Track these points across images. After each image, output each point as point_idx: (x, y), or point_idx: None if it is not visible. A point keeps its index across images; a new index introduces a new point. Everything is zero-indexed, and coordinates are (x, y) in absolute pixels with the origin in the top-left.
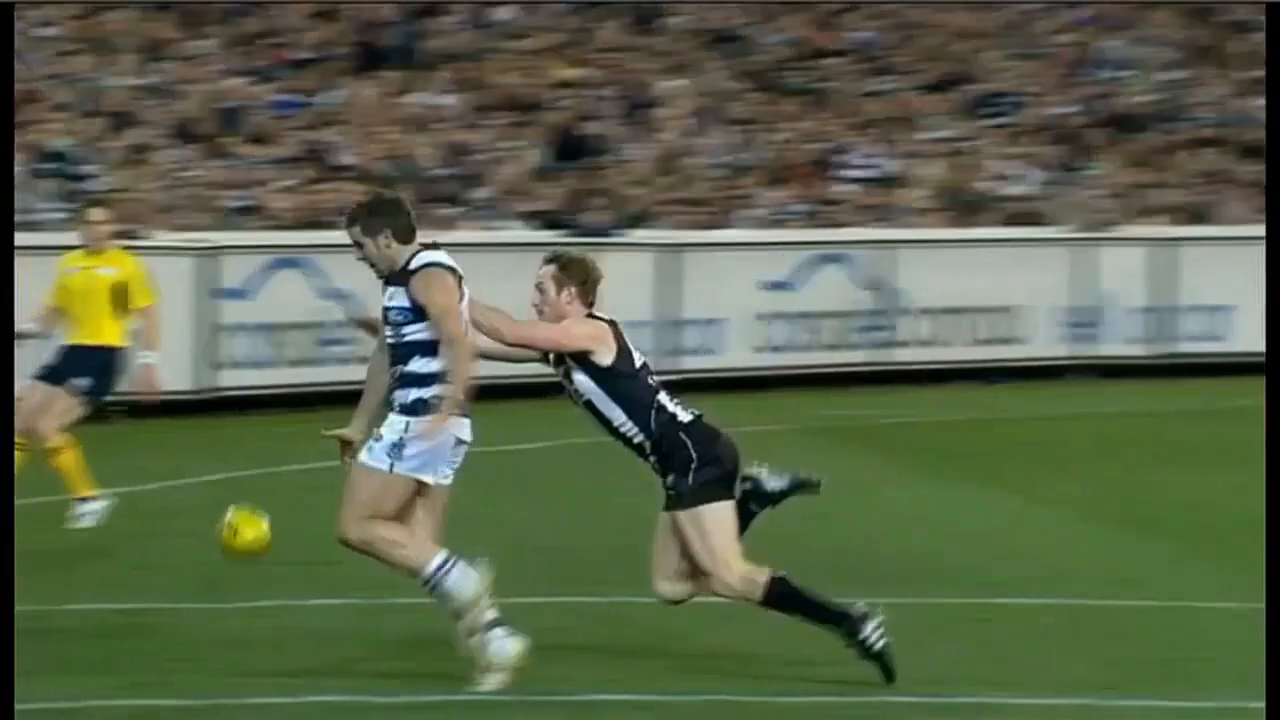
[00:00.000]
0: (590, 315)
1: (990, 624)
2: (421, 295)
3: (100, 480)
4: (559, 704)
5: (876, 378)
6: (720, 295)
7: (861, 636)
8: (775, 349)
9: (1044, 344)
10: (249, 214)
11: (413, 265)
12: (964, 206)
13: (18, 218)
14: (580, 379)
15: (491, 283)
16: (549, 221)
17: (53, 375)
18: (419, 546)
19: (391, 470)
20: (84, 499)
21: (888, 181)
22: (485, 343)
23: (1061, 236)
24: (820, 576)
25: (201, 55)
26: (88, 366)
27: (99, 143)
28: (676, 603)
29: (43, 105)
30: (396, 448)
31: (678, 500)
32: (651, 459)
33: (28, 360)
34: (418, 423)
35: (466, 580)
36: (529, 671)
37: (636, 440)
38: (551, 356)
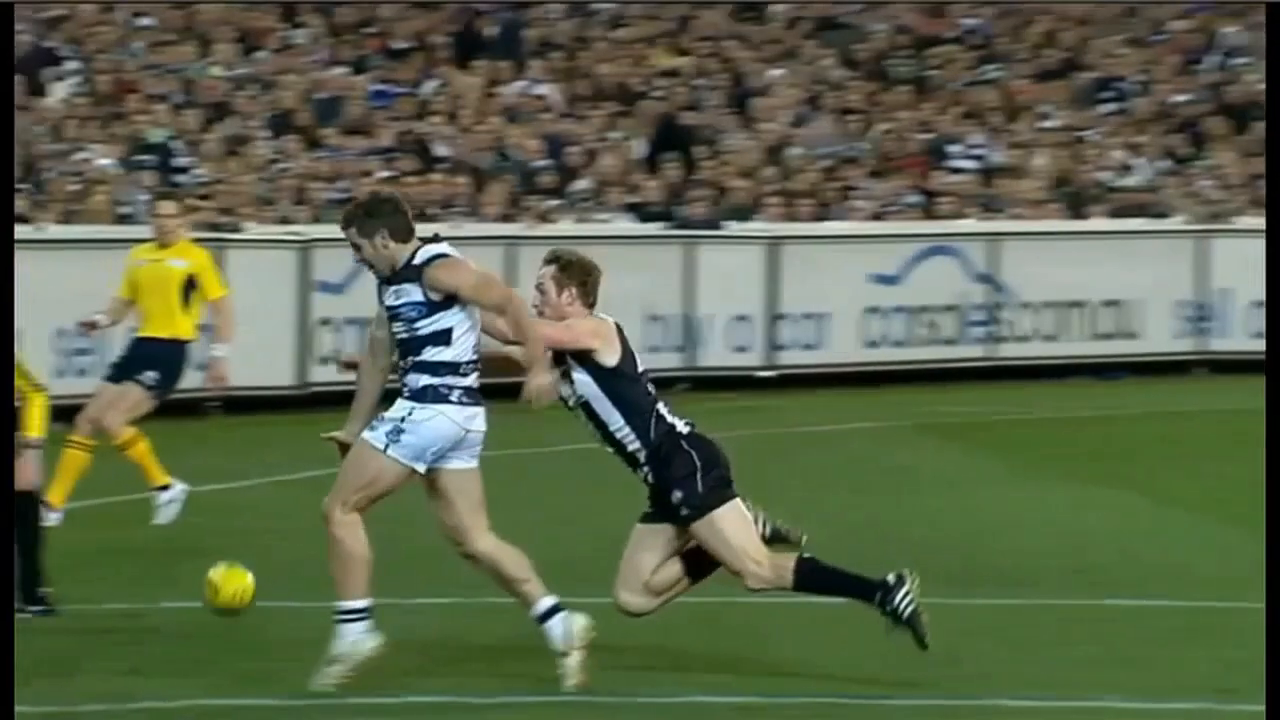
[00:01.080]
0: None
1: (1107, 626)
2: (449, 283)
3: (197, 476)
4: (663, 706)
5: (987, 373)
6: (825, 289)
7: (893, 605)
8: (882, 343)
9: (1161, 339)
10: (346, 206)
11: (418, 260)
12: (1076, 198)
13: (117, 210)
14: (581, 379)
15: None
16: (650, 214)
17: (119, 372)
18: (362, 580)
19: (386, 451)
20: (162, 488)
21: (998, 172)
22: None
23: (1178, 228)
24: (932, 577)
25: (299, 45)
26: (157, 360)
27: (196, 134)
28: (635, 615)
29: (139, 96)
30: (396, 431)
31: (691, 512)
32: (645, 469)
33: (92, 353)
34: (423, 410)
35: (360, 641)
36: (630, 673)
37: (632, 448)
38: (549, 356)
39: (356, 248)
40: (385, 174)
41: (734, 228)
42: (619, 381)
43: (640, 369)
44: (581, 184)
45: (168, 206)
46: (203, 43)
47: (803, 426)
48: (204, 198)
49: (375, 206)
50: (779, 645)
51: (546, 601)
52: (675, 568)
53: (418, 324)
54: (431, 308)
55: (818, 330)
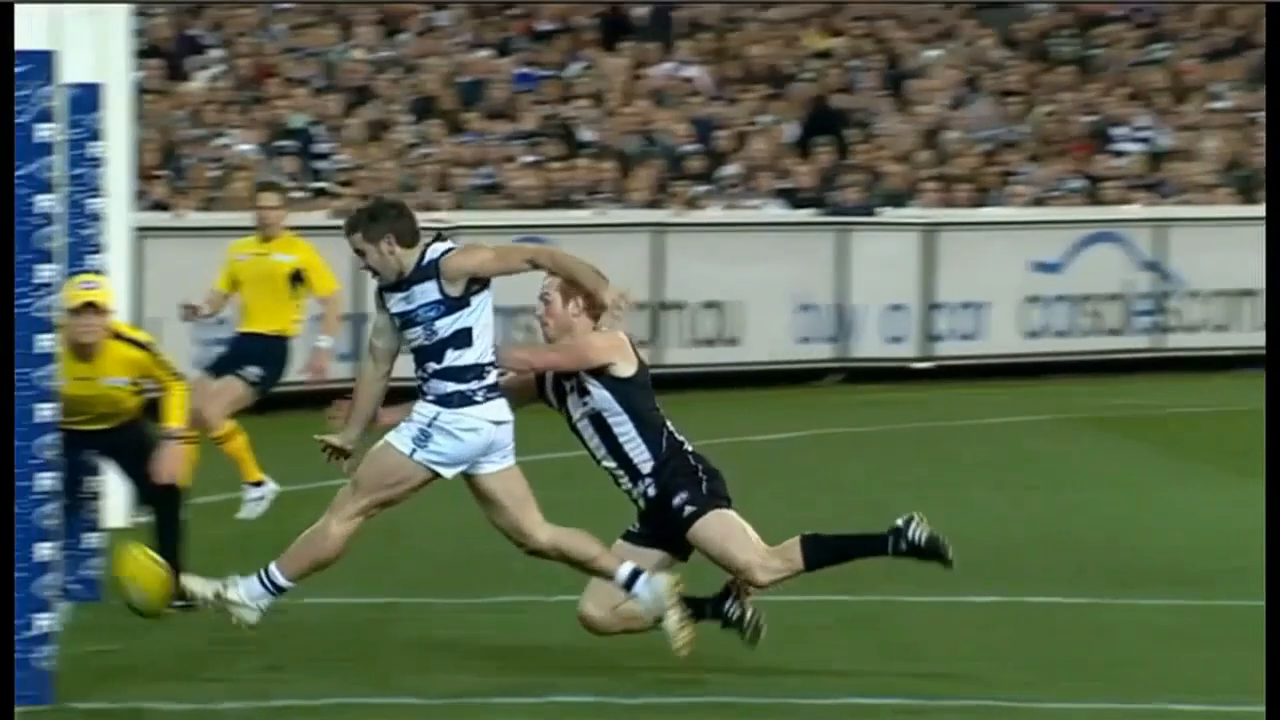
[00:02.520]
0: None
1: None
2: (471, 264)
3: (328, 470)
4: (818, 707)
5: (1153, 364)
6: (984, 277)
7: (910, 540)
8: (1043, 334)
9: None
10: (490, 192)
11: (430, 257)
12: (1248, 181)
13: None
14: (598, 393)
15: (738, 265)
16: (801, 199)
17: (220, 367)
18: (304, 573)
19: (412, 456)
20: (254, 484)
21: (1165, 155)
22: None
23: None
24: (1093, 576)
25: (442, 28)
26: (260, 354)
27: (337, 119)
28: (596, 631)
29: (280, 80)
30: (424, 435)
31: (694, 510)
32: (648, 481)
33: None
34: (451, 414)
35: (251, 609)
36: (781, 676)
37: (639, 459)
38: (549, 373)
39: (361, 253)
40: (530, 159)
41: (889, 214)
42: (633, 392)
43: (649, 381)
44: (731, 169)
45: (270, 198)
46: (344, 25)
47: (959, 420)
48: (345, 184)
49: (380, 211)
50: (934, 646)
51: (625, 570)
52: None
53: (437, 325)
54: (450, 306)
55: (976, 320)
